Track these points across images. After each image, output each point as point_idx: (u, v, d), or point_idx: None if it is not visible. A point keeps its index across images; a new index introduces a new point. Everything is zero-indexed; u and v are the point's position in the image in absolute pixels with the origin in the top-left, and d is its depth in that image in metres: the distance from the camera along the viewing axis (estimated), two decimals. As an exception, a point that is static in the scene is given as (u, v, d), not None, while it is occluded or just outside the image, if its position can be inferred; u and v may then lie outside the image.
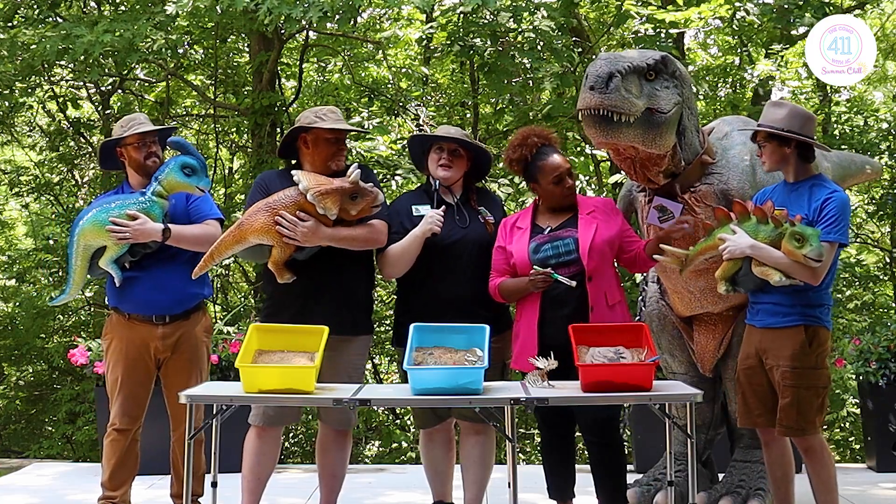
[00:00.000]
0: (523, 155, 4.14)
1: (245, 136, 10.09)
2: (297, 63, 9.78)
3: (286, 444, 9.44)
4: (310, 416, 8.29)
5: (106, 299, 4.43)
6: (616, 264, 4.19)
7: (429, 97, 10.18)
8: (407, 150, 8.11)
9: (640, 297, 4.84)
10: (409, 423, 9.56)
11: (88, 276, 4.27)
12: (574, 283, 3.89)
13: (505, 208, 4.61)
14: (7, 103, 9.13)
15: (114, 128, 4.37)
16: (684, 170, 4.06)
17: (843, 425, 10.05)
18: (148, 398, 4.29)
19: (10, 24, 8.22)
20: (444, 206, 4.16)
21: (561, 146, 4.53)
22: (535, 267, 3.93)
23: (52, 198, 10.94)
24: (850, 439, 9.95)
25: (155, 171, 4.20)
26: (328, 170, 4.11)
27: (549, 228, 4.08)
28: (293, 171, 4.04)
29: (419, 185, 4.50)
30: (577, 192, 4.28)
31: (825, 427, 10.02)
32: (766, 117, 3.82)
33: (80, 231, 4.13)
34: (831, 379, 6.01)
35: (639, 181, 4.15)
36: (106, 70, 8.91)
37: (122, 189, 4.34)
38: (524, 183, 7.72)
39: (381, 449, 9.55)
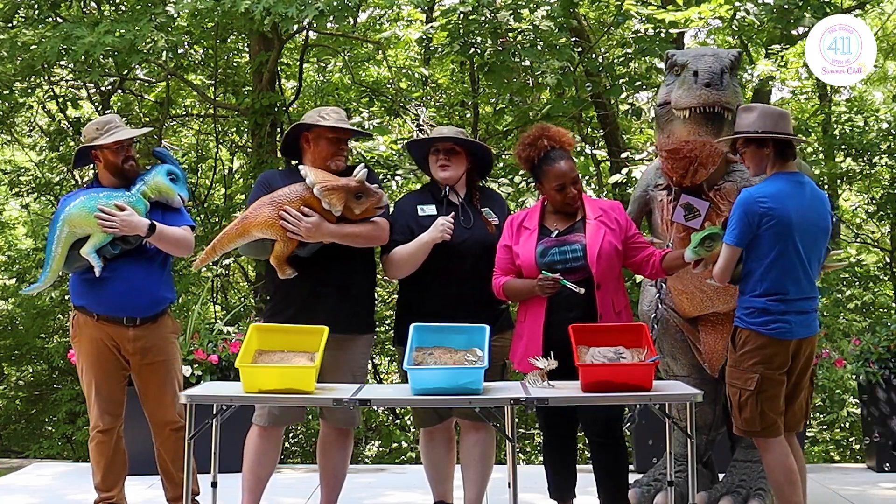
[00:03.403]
0: (531, 156, 4.12)
1: (245, 136, 10.10)
2: (297, 63, 9.79)
3: (286, 443, 9.45)
4: (310, 416, 8.29)
5: (70, 299, 4.41)
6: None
7: (429, 97, 10.19)
8: (407, 150, 8.13)
9: (658, 296, 4.76)
10: (409, 423, 9.57)
11: (63, 269, 4.24)
12: (582, 290, 3.86)
13: (506, 208, 4.59)
14: (7, 103, 9.13)
15: (87, 128, 4.32)
16: None
17: (843, 425, 10.06)
18: (125, 395, 4.28)
19: (10, 25, 8.21)
20: (453, 213, 4.15)
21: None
22: (543, 271, 3.92)
23: (52, 198, 10.94)
24: (850, 439, 9.95)
25: (132, 174, 4.22)
26: (327, 169, 4.11)
27: (556, 232, 4.05)
28: (300, 166, 4.05)
29: (423, 185, 4.50)
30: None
31: (825, 427, 10.07)
32: (738, 124, 3.81)
33: (67, 217, 4.11)
34: (825, 380, 5.98)
35: (684, 182, 4.08)
36: (106, 70, 8.91)
37: (92, 188, 4.30)
38: (524, 183, 7.79)
39: (381, 449, 9.56)
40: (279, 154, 4.59)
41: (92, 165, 4.39)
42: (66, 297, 10.08)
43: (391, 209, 4.36)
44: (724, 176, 4.13)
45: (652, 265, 4.04)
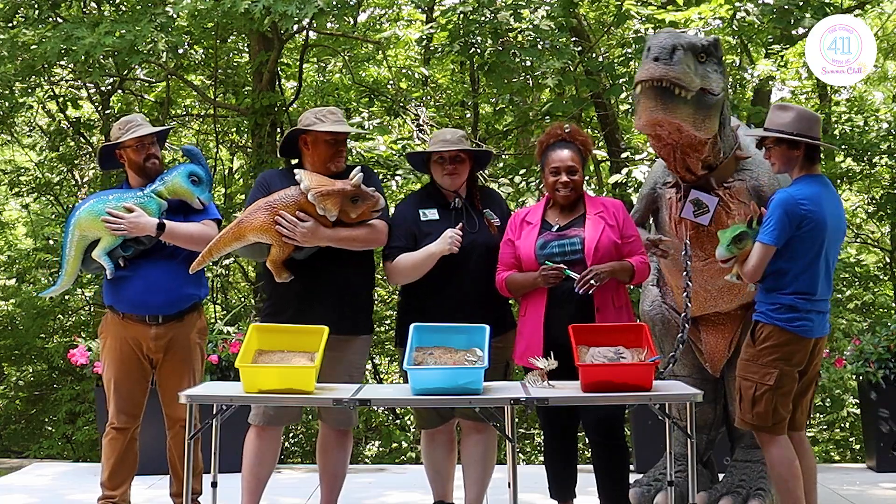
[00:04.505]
0: (542, 141, 4.21)
1: (245, 136, 10.09)
2: (297, 63, 9.78)
3: (286, 444, 9.44)
4: (310, 417, 8.28)
5: (93, 296, 4.45)
6: None
7: (429, 97, 10.18)
8: (406, 159, 8.13)
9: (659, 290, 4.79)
10: (409, 423, 9.57)
11: (81, 271, 4.27)
12: None
13: (505, 207, 4.60)
14: (7, 103, 9.13)
15: (112, 128, 4.37)
16: (721, 163, 4.07)
17: (843, 425, 10.06)
18: (145, 397, 4.30)
19: (10, 24, 8.21)
20: (461, 225, 4.15)
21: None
22: (546, 262, 3.94)
23: (52, 198, 10.94)
24: (850, 439, 9.95)
25: (154, 172, 4.23)
26: (327, 171, 4.11)
27: (557, 226, 4.08)
28: (296, 171, 4.04)
29: (423, 186, 4.49)
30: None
31: (825, 427, 10.07)
32: (772, 121, 3.81)
33: (76, 221, 4.14)
34: (825, 380, 5.99)
35: (677, 171, 4.12)
36: (106, 70, 8.91)
37: (121, 188, 4.35)
38: (524, 183, 7.78)
39: (381, 449, 9.55)
40: (279, 155, 4.57)
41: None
42: (67, 298, 10.10)
43: (391, 213, 4.35)
44: (733, 174, 4.14)
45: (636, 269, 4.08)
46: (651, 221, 4.54)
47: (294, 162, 4.31)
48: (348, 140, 4.86)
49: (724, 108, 4.00)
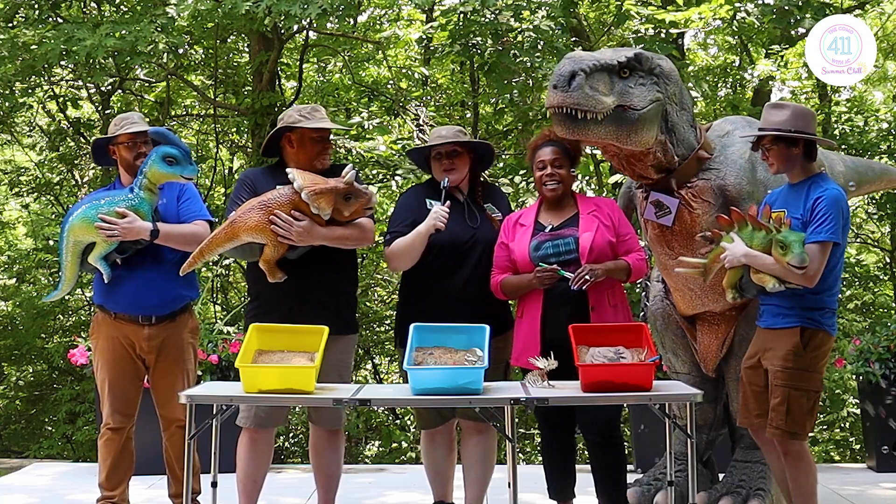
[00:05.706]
0: (531, 145, 4.25)
1: (245, 136, 10.10)
2: (297, 63, 9.79)
3: (286, 444, 9.45)
4: (301, 415, 8.28)
5: (92, 297, 4.43)
6: None
7: (429, 97, 10.19)
8: (408, 157, 8.15)
9: (644, 294, 4.85)
10: (409, 423, 9.57)
11: (81, 272, 4.27)
12: None
13: (507, 201, 4.61)
14: (7, 103, 9.13)
15: (110, 125, 4.37)
16: (679, 165, 4.07)
17: (843, 425, 10.06)
18: (139, 396, 4.29)
19: (10, 25, 8.21)
20: (448, 202, 4.16)
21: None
22: (540, 264, 3.95)
23: (52, 198, 10.94)
24: (850, 439, 9.95)
25: None
26: (313, 169, 4.09)
27: (550, 227, 4.09)
28: (288, 170, 4.01)
29: (429, 179, 4.50)
30: (577, 191, 4.30)
31: (825, 427, 10.08)
32: (767, 121, 3.78)
33: (70, 227, 4.13)
34: (824, 380, 6.04)
35: (630, 176, 4.17)
36: (107, 70, 8.91)
37: (114, 186, 4.34)
38: (524, 183, 7.78)
39: (381, 449, 9.55)
40: (261, 154, 4.55)
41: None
42: (67, 298, 10.10)
43: (394, 205, 4.35)
44: (697, 174, 4.14)
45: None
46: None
47: (275, 161, 4.30)
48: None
49: (671, 115, 3.99)
